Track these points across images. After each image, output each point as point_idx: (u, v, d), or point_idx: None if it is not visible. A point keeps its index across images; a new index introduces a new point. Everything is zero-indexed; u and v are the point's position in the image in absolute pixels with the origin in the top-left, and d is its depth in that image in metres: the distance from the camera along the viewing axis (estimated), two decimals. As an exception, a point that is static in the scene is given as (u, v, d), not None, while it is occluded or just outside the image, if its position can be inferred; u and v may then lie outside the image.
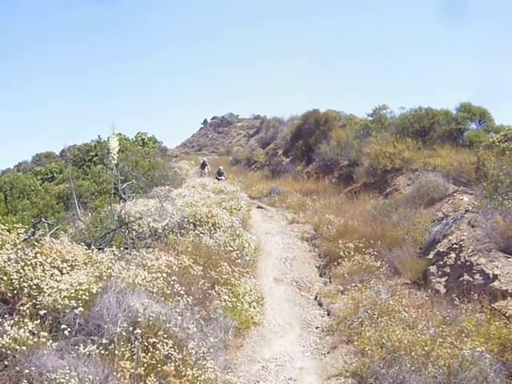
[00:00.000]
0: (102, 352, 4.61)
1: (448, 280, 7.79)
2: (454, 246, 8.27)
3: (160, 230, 9.97)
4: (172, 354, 4.93)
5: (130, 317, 5.10)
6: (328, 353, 6.58)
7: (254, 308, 7.57)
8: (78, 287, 5.12)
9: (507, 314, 5.95)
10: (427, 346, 5.42)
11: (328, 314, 7.93)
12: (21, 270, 5.25)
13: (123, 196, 11.38)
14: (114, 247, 6.98)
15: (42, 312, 4.81)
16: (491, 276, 6.81)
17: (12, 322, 4.55)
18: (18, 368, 4.18)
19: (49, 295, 4.98)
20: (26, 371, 4.10)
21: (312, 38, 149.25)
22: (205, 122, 59.89)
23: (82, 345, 4.59)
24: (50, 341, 4.51)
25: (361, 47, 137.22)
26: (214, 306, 6.84)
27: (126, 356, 4.70)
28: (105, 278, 5.63)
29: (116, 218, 9.55)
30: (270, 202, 17.89)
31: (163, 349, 4.92)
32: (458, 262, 7.80)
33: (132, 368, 4.59)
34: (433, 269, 8.28)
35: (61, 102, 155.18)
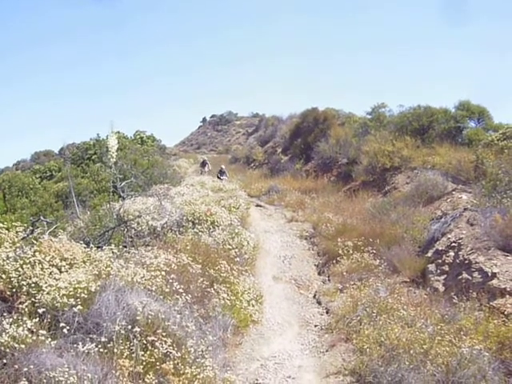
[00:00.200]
0: (101, 350, 4.61)
1: (447, 278, 7.79)
2: (453, 244, 8.28)
3: (159, 229, 9.97)
4: (171, 352, 4.93)
5: (128, 315, 5.10)
6: (327, 351, 6.59)
7: (253, 306, 7.57)
8: (76, 285, 5.12)
9: (506, 312, 5.96)
10: (426, 344, 5.42)
11: (327, 312, 7.94)
12: (19, 269, 5.24)
13: (122, 194, 11.36)
14: (113, 245, 6.97)
15: (40, 310, 4.80)
16: (490, 274, 6.81)
17: (11, 320, 4.55)
18: (16, 366, 4.17)
19: (47, 293, 4.97)
20: (25, 369, 4.11)
21: (311, 36, 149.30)
22: (204, 120, 59.83)
23: (80, 343, 4.59)
24: (49, 339, 4.51)
25: (360, 45, 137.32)
26: (213, 304, 6.84)
27: (125, 354, 4.70)
28: (103, 276, 5.63)
29: (115, 217, 9.53)
30: (268, 200, 17.86)
31: (162, 347, 4.92)
32: (457, 261, 7.81)
33: (131, 366, 4.59)
34: (431, 267, 8.29)
35: (60, 100, 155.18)
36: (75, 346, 4.58)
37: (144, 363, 4.74)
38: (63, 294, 4.95)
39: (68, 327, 4.70)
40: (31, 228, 7.58)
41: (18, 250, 5.74)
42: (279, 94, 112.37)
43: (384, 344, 5.69)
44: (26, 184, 20.35)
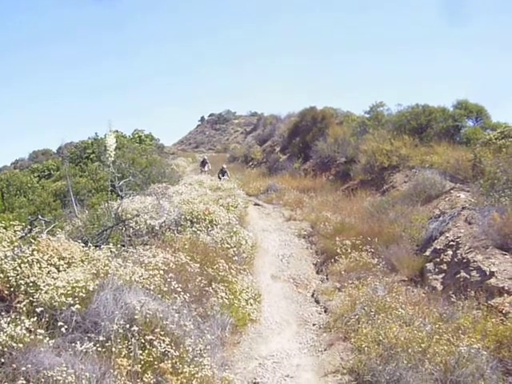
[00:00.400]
0: (99, 349, 4.61)
1: (445, 277, 7.80)
2: (451, 243, 8.29)
3: (157, 228, 9.96)
4: (169, 352, 4.93)
5: (126, 314, 5.10)
6: (325, 350, 6.60)
7: (251, 305, 7.57)
8: (74, 284, 5.12)
9: (504, 311, 5.97)
10: (424, 343, 5.43)
11: (325, 311, 7.94)
12: (17, 268, 5.24)
13: (120, 193, 11.36)
14: (111, 244, 6.96)
15: (38, 309, 4.79)
16: (488, 273, 6.82)
17: (9, 319, 4.55)
18: (14, 365, 4.17)
19: (46, 292, 4.97)
20: (23, 368, 4.10)
21: (310, 36, 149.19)
22: (202, 119, 59.83)
23: (78, 342, 4.59)
24: (47, 338, 4.51)
25: (359, 45, 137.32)
26: (211, 303, 6.84)
27: (123, 353, 4.70)
28: (102, 275, 5.62)
29: (113, 216, 9.53)
30: (267, 199, 17.88)
31: (160, 346, 4.92)
32: (455, 259, 7.82)
33: (129, 365, 4.59)
34: (429, 266, 8.30)
35: (59, 100, 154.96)
36: (73, 345, 4.58)
37: (142, 362, 4.74)
38: (61, 293, 4.95)
39: (66, 326, 4.69)
40: (29, 227, 7.58)
41: (16, 249, 5.73)
42: (278, 93, 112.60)
43: (382, 343, 5.70)
44: (24, 183, 20.35)
